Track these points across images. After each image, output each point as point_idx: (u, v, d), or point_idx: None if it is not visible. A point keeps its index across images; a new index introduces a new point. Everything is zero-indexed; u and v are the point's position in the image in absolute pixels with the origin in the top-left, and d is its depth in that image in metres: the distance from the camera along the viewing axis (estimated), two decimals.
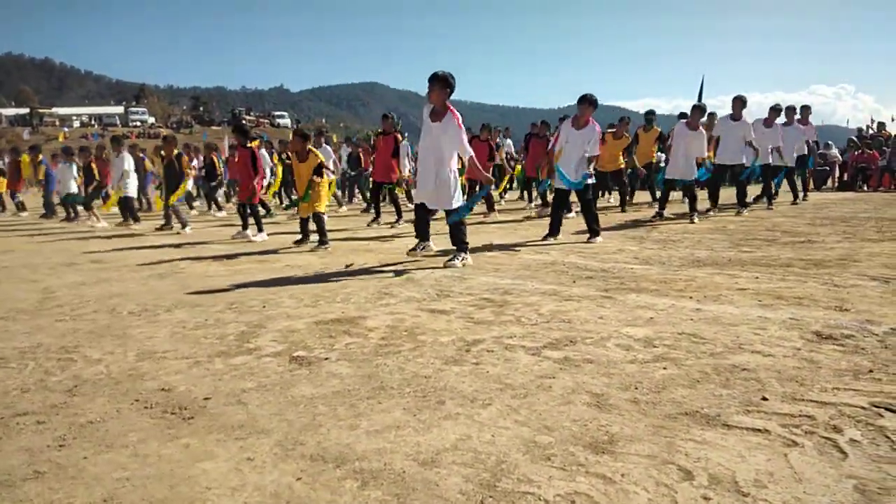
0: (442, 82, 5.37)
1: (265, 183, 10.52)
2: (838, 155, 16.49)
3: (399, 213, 9.60)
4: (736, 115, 9.27)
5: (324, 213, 7.29)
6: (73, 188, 12.31)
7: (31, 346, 3.25)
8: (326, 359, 2.87)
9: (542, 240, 7.05)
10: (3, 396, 2.51)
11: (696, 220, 8.57)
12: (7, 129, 62.87)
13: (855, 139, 16.45)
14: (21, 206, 14.95)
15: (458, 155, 5.60)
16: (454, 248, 5.59)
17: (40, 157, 15.14)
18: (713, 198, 9.77)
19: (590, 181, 6.86)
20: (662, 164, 12.70)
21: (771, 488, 1.64)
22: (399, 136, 9.52)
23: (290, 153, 7.56)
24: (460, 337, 3.16)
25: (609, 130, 11.15)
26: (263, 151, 12.01)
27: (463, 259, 5.48)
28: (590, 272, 4.97)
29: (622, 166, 11.02)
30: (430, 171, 5.50)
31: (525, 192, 13.19)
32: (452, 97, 5.50)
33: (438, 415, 2.18)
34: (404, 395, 2.39)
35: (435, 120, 5.47)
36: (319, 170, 7.21)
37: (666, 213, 9.06)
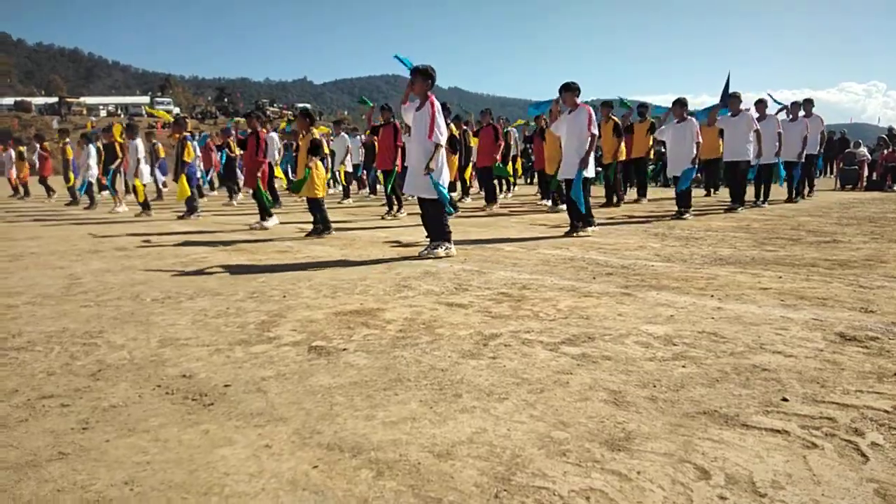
0: (423, 74, 5.60)
1: (276, 167, 10.70)
2: (867, 154, 16.16)
3: (399, 202, 9.83)
4: (734, 111, 9.32)
5: (321, 199, 7.35)
6: (94, 173, 12.50)
7: (56, 330, 3.32)
8: (345, 349, 2.89)
9: (566, 236, 7.01)
10: (29, 379, 2.56)
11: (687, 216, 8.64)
12: (37, 118, 64.05)
13: (885, 137, 16.11)
14: (49, 190, 15.25)
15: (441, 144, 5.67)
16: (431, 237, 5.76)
17: (66, 140, 15.35)
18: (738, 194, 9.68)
19: (586, 174, 6.80)
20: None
21: (788, 490, 1.62)
22: (399, 125, 9.56)
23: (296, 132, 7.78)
24: (478, 331, 3.16)
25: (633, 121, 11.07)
26: (273, 135, 11.95)
27: (446, 249, 5.64)
28: (610, 269, 4.93)
29: (646, 155, 11.00)
30: (413, 159, 5.78)
31: (539, 187, 13.11)
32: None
33: (454, 407, 2.19)
34: (421, 387, 2.40)
35: (419, 109, 5.70)
36: (315, 150, 7.22)
37: (690, 213, 8.92)
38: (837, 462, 1.77)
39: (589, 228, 7.01)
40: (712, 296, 3.88)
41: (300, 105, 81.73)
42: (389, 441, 1.93)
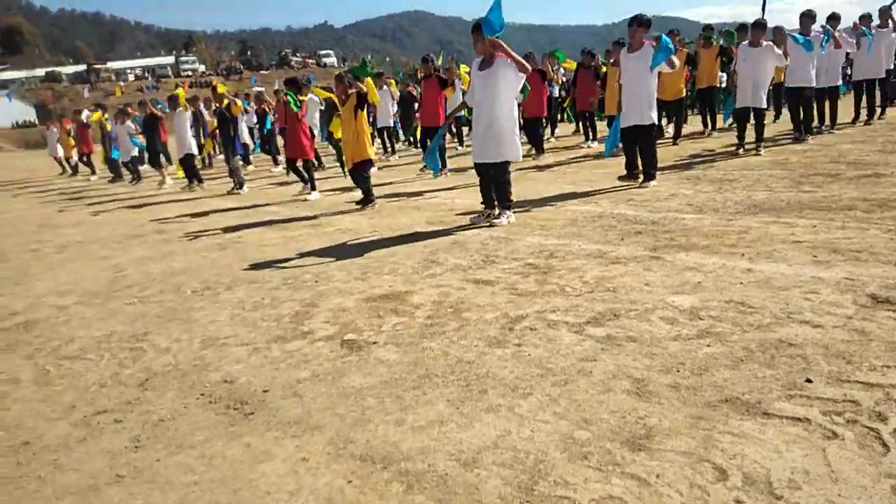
0: (477, 30, 5.15)
1: (315, 135, 10.58)
2: None
3: (444, 161, 9.52)
4: (805, 32, 8.64)
5: (369, 166, 6.97)
6: (135, 150, 12.74)
7: (105, 334, 3.52)
8: (375, 343, 2.99)
9: (620, 180, 6.87)
10: (84, 392, 2.75)
11: (762, 151, 8.16)
12: (69, 88, 65.03)
13: None
14: (92, 168, 15.67)
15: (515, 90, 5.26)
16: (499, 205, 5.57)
17: (105, 115, 15.60)
18: (802, 118, 9.01)
19: (653, 115, 6.54)
20: (723, 85, 11.93)
21: (805, 489, 1.66)
22: (441, 76, 9.37)
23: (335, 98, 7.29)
24: (504, 313, 3.22)
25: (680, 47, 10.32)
26: (312, 95, 11.77)
27: (508, 217, 5.46)
28: (639, 225, 4.88)
29: (682, 95, 10.39)
30: (480, 124, 5.35)
31: (581, 128, 12.63)
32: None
33: (480, 406, 2.27)
34: (448, 383, 2.48)
35: (483, 68, 5.26)
36: (362, 102, 6.77)
37: (718, 145, 8.65)
38: (857, 455, 1.79)
39: (651, 183, 6.58)
40: (743, 255, 3.83)
41: (322, 52, 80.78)
42: (418, 449, 2.03)
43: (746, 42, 8.26)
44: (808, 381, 2.24)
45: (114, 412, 2.53)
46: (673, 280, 3.49)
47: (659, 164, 6.88)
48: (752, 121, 8.41)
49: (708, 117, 11.11)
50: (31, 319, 3.96)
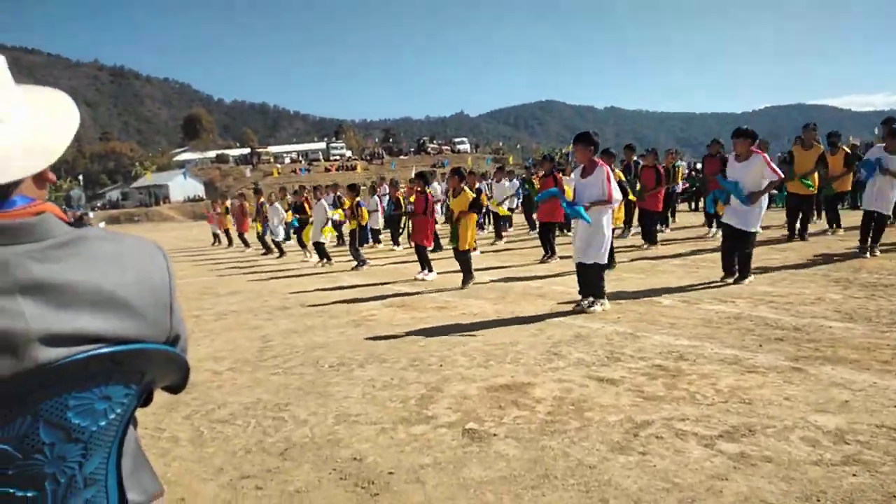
0: (585, 141, 5.81)
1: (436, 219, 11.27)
2: None
3: (552, 250, 9.90)
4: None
5: (469, 251, 7.96)
6: (280, 232, 14.13)
7: (252, 401, 3.86)
8: (495, 435, 3.05)
9: (721, 281, 6.67)
10: (231, 457, 3.04)
11: (877, 252, 7.75)
12: (234, 168, 73.18)
13: None
14: (246, 243, 17.39)
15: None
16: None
17: (262, 199, 17.44)
18: None
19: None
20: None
21: None
22: (559, 176, 9.74)
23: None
24: (628, 416, 3.16)
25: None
26: (436, 185, 12.61)
27: (602, 305, 5.75)
28: (780, 331, 4.61)
29: (813, 192, 9.77)
30: (581, 228, 5.84)
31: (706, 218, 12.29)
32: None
33: None
34: (567, 487, 2.48)
35: (585, 177, 5.86)
36: (475, 205, 7.91)
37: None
38: None
39: (745, 282, 6.59)
40: None
41: (456, 139, 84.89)
42: None
43: (882, 145, 7.77)
44: None
45: (256, 478, 2.77)
46: (817, 396, 3.25)
47: (802, 262, 6.55)
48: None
49: (831, 215, 10.54)
50: (190, 382, 4.42)
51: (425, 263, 8.95)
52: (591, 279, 5.83)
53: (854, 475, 2.40)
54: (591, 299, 5.80)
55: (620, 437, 2.92)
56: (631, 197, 10.44)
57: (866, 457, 2.54)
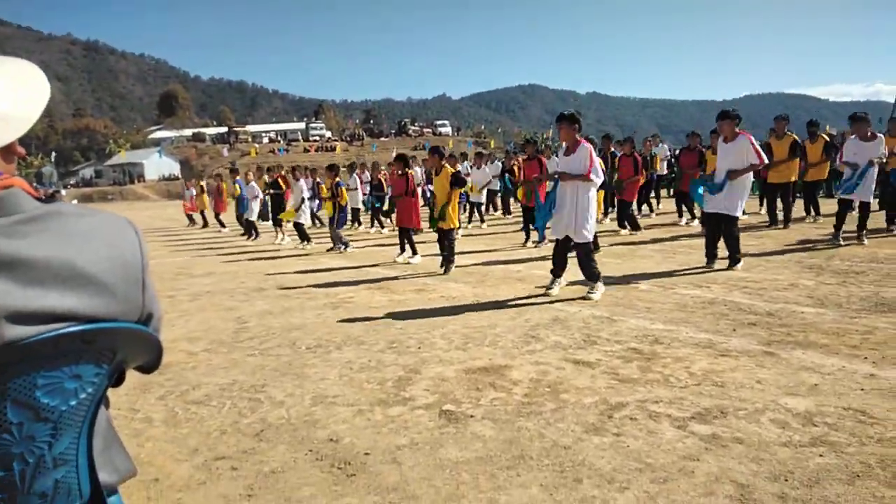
0: (569, 119, 5.77)
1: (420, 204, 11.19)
2: None
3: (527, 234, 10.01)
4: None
5: (454, 231, 7.88)
6: (255, 211, 13.97)
7: (227, 382, 3.83)
8: (472, 416, 3.07)
9: (706, 267, 6.76)
10: (206, 438, 3.01)
11: (864, 241, 7.92)
12: (210, 147, 72.08)
13: None
14: (222, 224, 17.17)
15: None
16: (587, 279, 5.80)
17: (237, 177, 17.20)
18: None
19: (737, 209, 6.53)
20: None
21: None
22: (543, 160, 9.74)
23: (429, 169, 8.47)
24: (603, 398, 3.20)
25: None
26: (417, 169, 12.55)
27: (600, 290, 5.71)
28: (753, 316, 4.69)
29: (792, 179, 9.96)
30: (566, 204, 5.79)
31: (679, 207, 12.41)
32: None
33: (574, 496, 2.27)
34: (542, 467, 2.51)
35: (568, 155, 5.84)
36: (457, 181, 7.80)
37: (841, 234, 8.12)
38: None
39: (738, 266, 6.68)
40: (866, 358, 3.59)
41: (438, 122, 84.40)
42: None
43: (854, 136, 7.96)
44: None
45: (231, 459, 2.76)
46: (787, 380, 3.33)
47: (778, 249, 6.64)
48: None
49: (811, 205, 10.73)
50: (164, 363, 4.38)
51: (411, 246, 8.91)
52: (581, 261, 5.76)
53: (821, 455, 2.46)
54: (591, 284, 5.77)
55: (595, 418, 2.96)
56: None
57: (833, 438, 2.61)
